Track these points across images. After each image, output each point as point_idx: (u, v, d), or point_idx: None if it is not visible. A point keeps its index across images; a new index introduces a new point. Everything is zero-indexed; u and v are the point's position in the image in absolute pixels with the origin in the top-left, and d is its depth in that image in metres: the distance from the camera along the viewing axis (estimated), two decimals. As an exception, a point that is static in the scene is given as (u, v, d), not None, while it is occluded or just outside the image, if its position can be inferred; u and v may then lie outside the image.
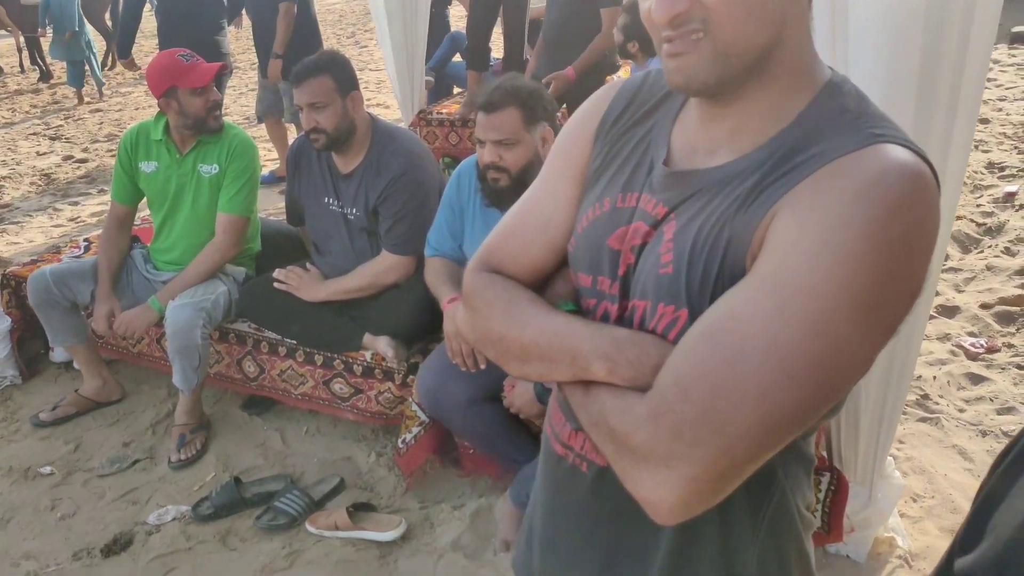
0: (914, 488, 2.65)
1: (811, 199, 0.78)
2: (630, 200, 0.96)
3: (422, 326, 2.80)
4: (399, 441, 2.67)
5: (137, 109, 9.05)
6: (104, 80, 10.22)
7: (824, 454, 2.30)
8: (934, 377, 3.27)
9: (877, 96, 1.69)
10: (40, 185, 6.56)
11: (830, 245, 0.75)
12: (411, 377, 2.70)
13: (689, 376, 0.78)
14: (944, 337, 3.55)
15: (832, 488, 2.23)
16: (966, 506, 2.54)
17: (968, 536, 0.72)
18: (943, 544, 2.40)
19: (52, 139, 7.99)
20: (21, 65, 12.25)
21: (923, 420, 3.02)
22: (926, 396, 3.15)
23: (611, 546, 1.02)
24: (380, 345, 2.74)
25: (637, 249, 0.93)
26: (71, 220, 5.68)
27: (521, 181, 2.24)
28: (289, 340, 2.94)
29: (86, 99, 9.67)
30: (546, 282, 1.05)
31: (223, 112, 3.08)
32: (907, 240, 0.76)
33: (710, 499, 0.79)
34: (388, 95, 8.74)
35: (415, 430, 2.63)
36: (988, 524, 0.68)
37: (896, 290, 0.77)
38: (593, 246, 0.98)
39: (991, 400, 3.12)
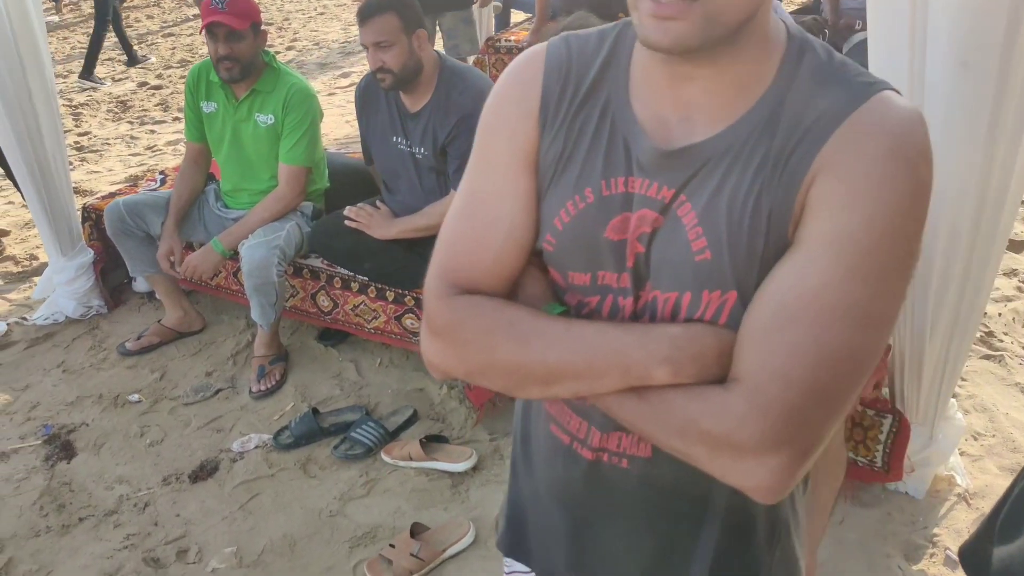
0: (975, 426, 2.66)
1: (847, 160, 0.79)
2: (616, 186, 0.89)
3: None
4: (469, 375, 2.75)
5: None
6: None
7: (886, 396, 2.33)
8: (999, 314, 3.23)
9: (958, 54, 1.72)
10: (116, 112, 6.69)
11: (881, 204, 0.78)
12: (479, 314, 2.76)
13: (783, 362, 0.78)
14: (1011, 273, 3.48)
15: (894, 430, 2.26)
16: (1027, 445, 2.56)
17: (1009, 523, 0.74)
18: (1003, 483, 2.42)
19: (127, 65, 8.11)
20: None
21: (987, 357, 3.01)
22: (990, 333, 3.13)
23: (668, 525, 1.01)
24: (449, 283, 2.80)
25: (647, 238, 0.88)
26: (147, 148, 5.80)
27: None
28: (361, 276, 3.02)
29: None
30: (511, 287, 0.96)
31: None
32: (930, 177, 0.81)
33: (811, 462, 0.82)
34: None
35: (484, 366, 2.71)
36: None
37: (924, 220, 0.82)
38: (586, 241, 0.91)
39: (1055, 339, 3.09)
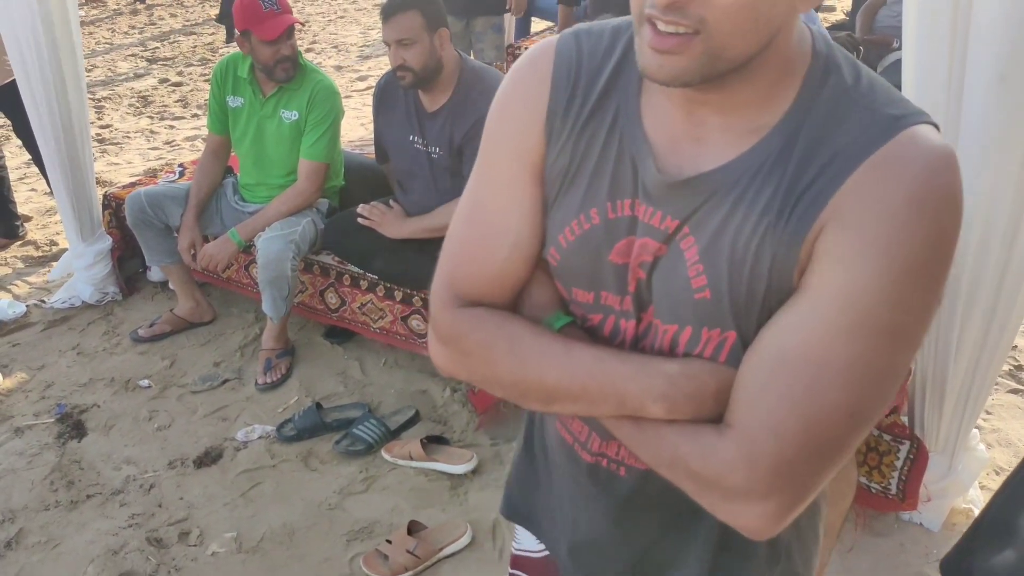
0: (998, 460, 2.59)
1: (862, 207, 0.74)
2: (622, 209, 0.87)
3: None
4: (474, 380, 2.72)
5: (230, 33, 9.17)
6: None
7: (905, 422, 2.27)
8: (1028, 348, 3.16)
9: (996, 68, 1.69)
10: (137, 107, 6.77)
11: (895, 257, 0.73)
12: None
13: (776, 413, 0.76)
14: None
15: (911, 457, 2.20)
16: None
17: (990, 536, 0.70)
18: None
19: (149, 61, 8.19)
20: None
21: (1014, 392, 2.93)
22: (1019, 367, 3.06)
23: (659, 534, 1.02)
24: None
25: (648, 266, 0.86)
26: (166, 143, 5.86)
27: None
28: (371, 274, 3.00)
29: None
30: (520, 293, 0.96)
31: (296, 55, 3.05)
32: (956, 226, 0.75)
33: (803, 507, 0.81)
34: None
35: (491, 370, 2.67)
36: (1016, 524, 0.67)
37: (947, 270, 0.77)
38: (590, 261, 0.90)
39: (1087, 375, 3.01)
